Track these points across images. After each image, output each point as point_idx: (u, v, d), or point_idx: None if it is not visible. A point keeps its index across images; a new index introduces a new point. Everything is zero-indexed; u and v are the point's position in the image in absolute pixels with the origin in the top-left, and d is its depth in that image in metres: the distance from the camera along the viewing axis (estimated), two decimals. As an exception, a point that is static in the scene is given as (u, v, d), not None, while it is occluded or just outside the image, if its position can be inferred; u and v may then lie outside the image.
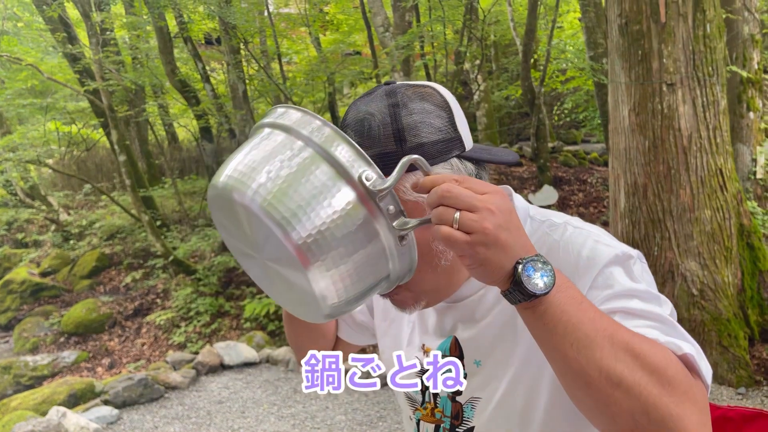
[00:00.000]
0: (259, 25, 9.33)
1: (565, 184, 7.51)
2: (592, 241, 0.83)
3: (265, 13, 9.96)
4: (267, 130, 0.73)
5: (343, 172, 0.67)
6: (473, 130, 11.60)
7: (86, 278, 8.31)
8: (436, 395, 0.96)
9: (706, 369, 0.71)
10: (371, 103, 0.80)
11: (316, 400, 4.20)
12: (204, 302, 6.62)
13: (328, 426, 3.79)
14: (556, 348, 0.66)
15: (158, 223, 7.97)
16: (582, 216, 6.95)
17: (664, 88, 3.96)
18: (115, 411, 3.97)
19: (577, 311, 0.66)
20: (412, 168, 0.75)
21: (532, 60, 9.68)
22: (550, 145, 8.80)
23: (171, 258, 7.01)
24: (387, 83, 0.84)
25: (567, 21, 11.96)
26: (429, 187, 0.67)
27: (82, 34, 9.21)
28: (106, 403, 4.09)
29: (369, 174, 0.67)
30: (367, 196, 0.67)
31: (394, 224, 0.68)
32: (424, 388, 0.97)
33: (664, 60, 3.95)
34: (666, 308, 0.77)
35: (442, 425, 0.95)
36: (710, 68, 3.93)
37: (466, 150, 0.82)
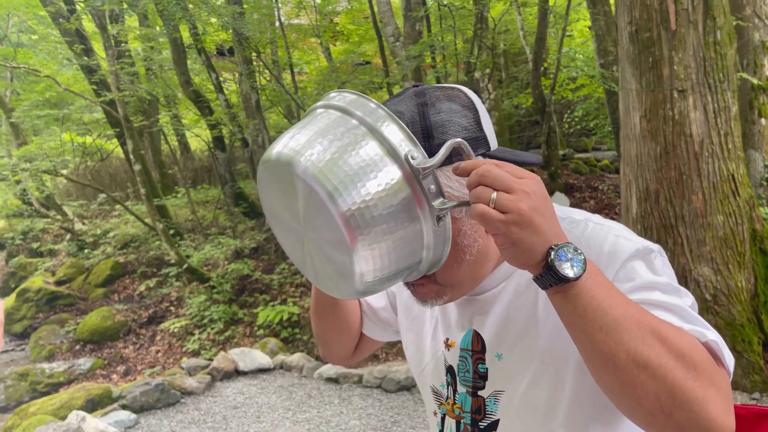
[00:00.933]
0: (271, 35, 9.45)
1: (576, 191, 7.52)
2: (613, 236, 0.85)
3: (277, 24, 10.09)
4: (321, 110, 0.77)
5: (391, 150, 0.71)
6: (483, 138, 11.61)
7: (101, 287, 8.40)
8: (455, 391, 0.97)
9: (729, 357, 0.73)
10: (401, 103, 0.84)
11: (331, 405, 4.23)
12: (217, 310, 6.68)
13: (342, 430, 3.82)
14: (585, 331, 0.68)
15: (171, 231, 8.06)
16: (593, 223, 6.95)
17: (675, 95, 3.99)
18: (133, 415, 4.02)
19: (607, 296, 0.68)
20: (451, 159, 0.79)
21: (542, 68, 9.73)
22: (560, 152, 8.82)
23: (185, 266, 7.08)
24: (416, 85, 0.87)
25: (577, 29, 11.99)
26: (470, 169, 0.70)
27: (98, 46, 9.36)
28: (124, 407, 4.14)
29: (414, 153, 0.71)
30: (411, 174, 0.71)
31: (434, 204, 0.72)
32: (449, 383, 0.99)
33: (675, 67, 3.98)
34: (687, 300, 0.80)
35: (462, 420, 0.96)
36: (721, 74, 3.96)
37: (491, 149, 0.85)
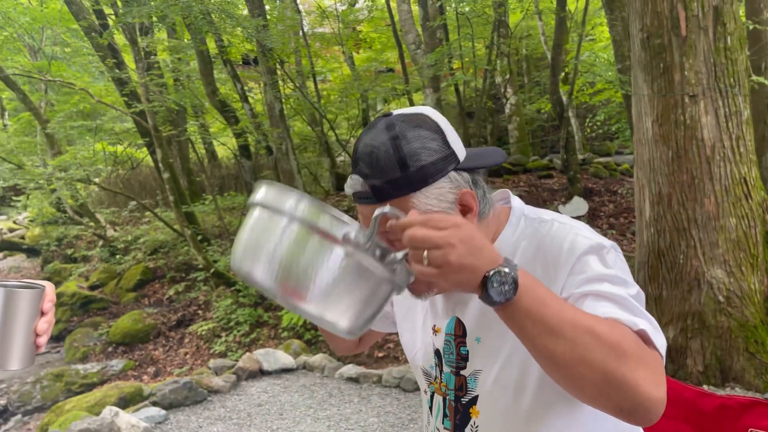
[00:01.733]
0: (295, 45, 9.67)
1: (596, 195, 7.57)
2: (573, 234, 0.98)
3: (300, 34, 10.31)
4: (257, 209, 0.86)
5: (330, 237, 0.79)
6: (505, 143, 11.71)
7: (132, 291, 8.68)
8: (441, 371, 1.10)
9: (659, 340, 0.85)
10: (375, 137, 0.96)
11: (350, 404, 4.38)
12: (243, 313, 6.88)
13: (361, 427, 3.96)
14: (526, 339, 0.81)
15: (199, 237, 8.29)
16: (612, 226, 6.98)
17: (687, 100, 4.05)
18: (163, 411, 4.22)
19: (542, 308, 0.79)
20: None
21: (563, 74, 9.78)
22: (580, 157, 8.86)
23: (212, 270, 7.30)
24: (385, 115, 1.00)
25: (600, 33, 12.01)
26: (400, 231, 0.81)
27: (128, 57, 9.69)
28: (154, 404, 4.35)
29: (350, 233, 0.80)
30: (355, 250, 0.80)
31: (384, 263, 0.82)
32: (436, 364, 1.12)
33: (686, 72, 4.05)
34: (632, 290, 0.92)
35: (447, 397, 1.09)
36: (732, 79, 4.01)
37: (461, 162, 0.98)
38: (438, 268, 0.77)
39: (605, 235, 1.05)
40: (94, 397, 4.69)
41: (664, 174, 4.18)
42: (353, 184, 0.97)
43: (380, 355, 5.65)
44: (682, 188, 4.11)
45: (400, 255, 0.83)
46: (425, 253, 0.77)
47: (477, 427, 1.03)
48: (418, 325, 1.18)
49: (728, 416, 1.79)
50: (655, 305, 4.27)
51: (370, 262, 0.81)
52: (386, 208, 0.84)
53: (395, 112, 1.01)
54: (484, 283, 0.78)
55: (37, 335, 0.92)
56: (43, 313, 0.92)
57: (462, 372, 1.07)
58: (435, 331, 1.12)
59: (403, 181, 0.92)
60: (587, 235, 0.99)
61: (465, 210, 0.98)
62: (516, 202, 1.08)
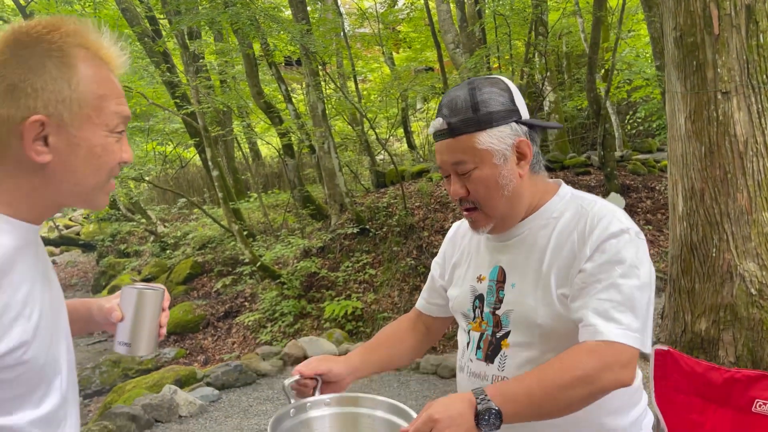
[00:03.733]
0: (336, 46, 9.96)
1: (633, 191, 7.61)
2: (610, 215, 1.21)
3: (341, 35, 10.59)
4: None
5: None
6: (543, 140, 11.75)
7: (181, 284, 9.11)
8: (482, 312, 1.35)
9: (627, 338, 1.10)
10: (459, 89, 1.24)
11: (390, 388, 4.62)
12: (288, 304, 7.18)
13: (401, 410, 4.19)
14: (528, 420, 1.10)
15: (245, 233, 8.65)
16: (649, 222, 7.03)
17: (719, 97, 4.14)
18: (216, 391, 4.55)
19: (522, 407, 1.06)
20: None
21: (602, 71, 9.80)
22: (618, 153, 8.88)
23: (258, 264, 7.63)
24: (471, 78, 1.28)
25: (639, 29, 11.94)
26: None
27: (176, 60, 10.14)
28: (208, 384, 4.68)
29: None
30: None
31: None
32: (475, 308, 1.36)
33: (719, 70, 4.13)
34: (639, 280, 1.15)
35: (485, 333, 1.33)
36: (764, 76, 4.08)
37: (522, 118, 1.24)
38: None
39: (642, 230, 1.29)
40: (152, 378, 5.05)
41: (697, 169, 4.27)
42: (434, 124, 1.24)
43: (419, 345, 5.85)
44: (715, 183, 4.19)
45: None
46: None
47: (506, 357, 1.25)
48: (463, 280, 1.41)
49: (736, 388, 1.96)
50: (687, 298, 4.37)
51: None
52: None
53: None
54: (479, 426, 1.03)
55: (160, 327, 1.14)
56: (163, 310, 1.15)
57: (497, 312, 1.31)
58: (480, 279, 1.35)
59: (473, 121, 1.19)
60: (621, 218, 1.21)
61: (520, 156, 1.23)
62: (566, 188, 1.34)
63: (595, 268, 1.15)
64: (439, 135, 1.24)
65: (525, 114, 1.25)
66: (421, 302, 1.58)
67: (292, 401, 1.26)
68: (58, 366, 0.99)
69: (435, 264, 1.55)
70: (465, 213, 1.28)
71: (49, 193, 0.95)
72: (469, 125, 1.19)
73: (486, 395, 1.04)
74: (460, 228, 1.50)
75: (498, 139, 1.20)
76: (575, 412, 1.11)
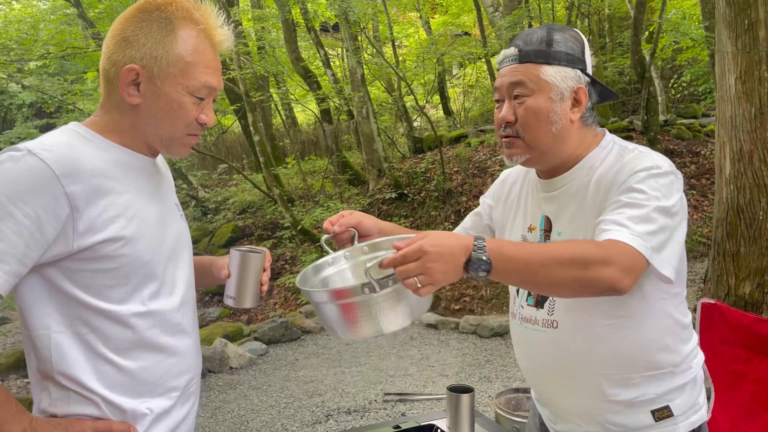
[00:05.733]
0: (373, 11, 9.90)
1: (677, 156, 7.47)
2: (645, 155, 1.26)
3: (379, 0, 10.51)
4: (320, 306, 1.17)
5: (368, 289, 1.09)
6: (583, 106, 11.50)
7: (223, 248, 9.33)
8: None
9: (635, 241, 1.11)
10: (536, 29, 1.31)
11: (430, 346, 4.74)
12: (327, 267, 7.32)
13: (441, 365, 4.31)
14: (514, 281, 1.19)
15: (285, 198, 8.80)
16: (692, 187, 6.92)
17: (771, 56, 4.04)
18: (264, 345, 4.73)
19: (512, 263, 1.07)
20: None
21: (646, 33, 9.53)
22: (662, 118, 8.70)
23: (298, 228, 7.79)
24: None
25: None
26: (391, 266, 1.04)
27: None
28: (256, 339, 4.87)
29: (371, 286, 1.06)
30: (378, 295, 1.06)
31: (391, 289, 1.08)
32: None
33: (772, 28, 4.02)
34: (669, 202, 1.18)
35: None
36: (820, 34, 3.96)
37: (587, 70, 1.30)
38: (432, 284, 1.03)
39: (686, 195, 1.31)
40: (202, 333, 5.28)
41: (746, 131, 4.20)
42: (505, 52, 1.31)
43: (456, 307, 5.96)
44: (764, 145, 4.12)
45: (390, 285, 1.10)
46: (415, 279, 1.02)
47: (555, 301, 1.31)
48: (511, 229, 1.47)
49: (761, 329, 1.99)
50: (732, 261, 4.34)
51: (386, 295, 1.09)
52: (379, 259, 1.09)
53: None
54: (467, 270, 1.05)
55: (262, 284, 1.32)
56: (265, 270, 1.32)
57: None
58: (530, 229, 1.41)
59: (544, 53, 1.26)
60: (656, 158, 1.25)
61: (576, 102, 1.29)
62: (610, 136, 1.37)
63: (621, 192, 1.20)
64: (507, 61, 1.30)
65: (590, 68, 1.31)
66: (459, 230, 1.63)
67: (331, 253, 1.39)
68: (169, 277, 1.18)
69: (483, 203, 1.60)
70: (505, 139, 1.32)
71: (141, 132, 1.16)
72: (539, 56, 1.26)
73: (484, 246, 1.05)
74: (510, 175, 1.56)
75: (561, 76, 1.26)
76: (559, 294, 1.18)
